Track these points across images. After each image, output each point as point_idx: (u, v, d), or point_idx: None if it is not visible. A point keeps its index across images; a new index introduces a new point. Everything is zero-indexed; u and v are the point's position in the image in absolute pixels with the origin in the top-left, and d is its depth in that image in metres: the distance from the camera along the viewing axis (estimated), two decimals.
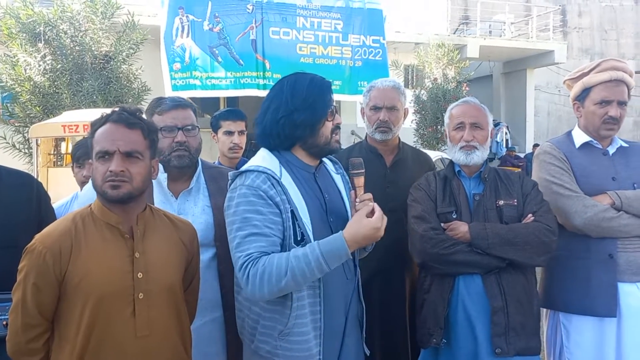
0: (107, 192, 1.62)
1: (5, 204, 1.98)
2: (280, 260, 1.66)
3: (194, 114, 2.20)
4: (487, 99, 18.20)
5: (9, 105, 8.74)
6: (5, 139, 8.55)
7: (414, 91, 12.74)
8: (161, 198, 2.12)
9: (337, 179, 2.03)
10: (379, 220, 1.71)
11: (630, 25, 22.38)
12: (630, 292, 2.34)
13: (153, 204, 2.04)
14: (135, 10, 9.12)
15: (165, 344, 1.70)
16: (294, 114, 1.82)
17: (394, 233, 2.36)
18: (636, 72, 2.73)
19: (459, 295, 2.24)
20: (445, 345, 2.24)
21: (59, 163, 8.70)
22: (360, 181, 1.85)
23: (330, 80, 1.97)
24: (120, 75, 8.67)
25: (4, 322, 1.76)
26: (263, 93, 10.07)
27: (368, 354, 2.01)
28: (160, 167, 2.14)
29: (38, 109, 8.28)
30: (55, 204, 2.88)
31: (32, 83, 8.20)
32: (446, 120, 2.47)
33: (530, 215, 2.26)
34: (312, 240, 1.74)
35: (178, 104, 2.16)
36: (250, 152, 3.51)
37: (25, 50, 8.22)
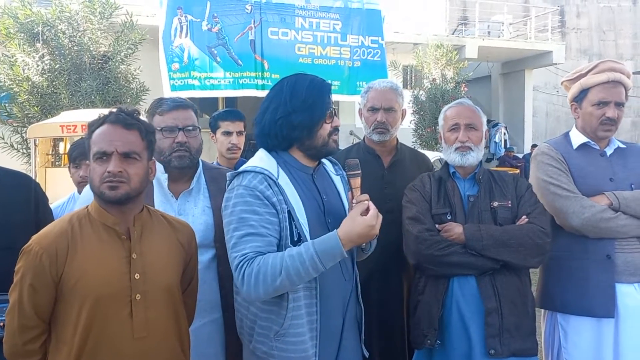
0: (105, 192, 1.61)
1: (3, 205, 1.97)
2: (275, 259, 1.66)
3: (195, 115, 2.20)
4: (486, 99, 18.22)
5: (7, 105, 8.71)
6: (3, 139, 8.53)
7: (413, 92, 12.75)
8: (161, 198, 2.12)
9: (337, 180, 2.03)
10: (374, 218, 1.71)
11: (628, 26, 22.42)
12: (628, 292, 2.34)
13: (153, 205, 2.04)
14: (133, 10, 9.10)
15: (163, 345, 1.70)
16: (292, 115, 1.82)
17: (391, 234, 2.37)
18: (634, 73, 2.74)
19: (453, 297, 2.24)
20: (439, 347, 2.24)
21: (57, 163, 8.68)
22: (356, 182, 1.85)
23: (330, 82, 1.97)
24: (119, 75, 8.65)
25: (1, 324, 1.76)
26: (262, 93, 10.06)
27: (367, 356, 2.01)
28: (161, 167, 2.14)
29: (36, 109, 8.26)
30: (52, 205, 2.88)
31: (30, 83, 8.19)
32: (440, 122, 2.48)
33: (524, 216, 2.27)
34: (309, 240, 1.74)
35: (179, 105, 2.16)
36: (249, 153, 3.51)
37: (24, 50, 8.21)
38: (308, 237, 1.76)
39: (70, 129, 6.80)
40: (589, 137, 2.49)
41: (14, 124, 8.65)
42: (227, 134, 3.26)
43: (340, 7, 11.07)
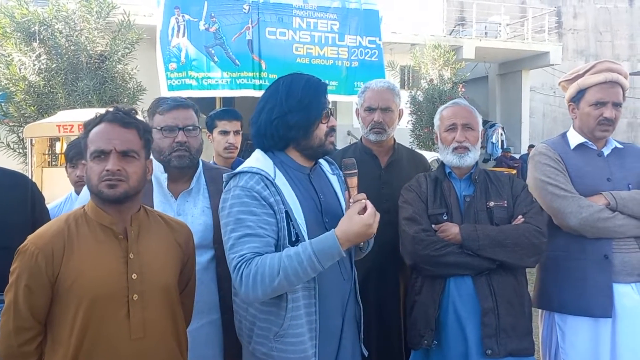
0: (104, 191, 1.60)
1: (0, 205, 1.96)
2: (273, 260, 1.66)
3: (195, 115, 2.18)
4: (483, 100, 18.26)
5: (3, 104, 8.69)
6: None
7: (410, 92, 12.76)
8: (161, 198, 2.11)
9: (333, 179, 2.03)
10: (371, 216, 1.70)
11: (624, 27, 22.49)
12: (625, 292, 2.34)
13: (152, 204, 2.03)
14: (130, 9, 9.10)
15: (161, 346, 1.69)
16: (287, 115, 1.82)
17: (388, 234, 2.37)
18: (630, 74, 2.75)
19: (449, 297, 2.24)
20: (435, 347, 2.24)
21: (53, 163, 8.68)
22: (353, 181, 1.84)
23: (327, 82, 1.96)
24: (116, 75, 8.65)
25: None
26: (259, 93, 9.96)
27: (366, 355, 2.01)
28: (161, 167, 2.13)
29: (33, 108, 8.25)
30: (49, 205, 2.86)
31: (26, 82, 8.17)
32: (436, 122, 2.47)
33: (520, 216, 2.27)
34: (307, 240, 1.73)
35: (179, 104, 2.14)
36: (246, 152, 3.50)
37: (20, 50, 8.19)
38: (306, 237, 1.75)
39: (66, 128, 6.79)
40: (587, 137, 2.49)
41: (11, 124, 8.63)
42: (224, 133, 3.25)
43: (338, 7, 11.07)
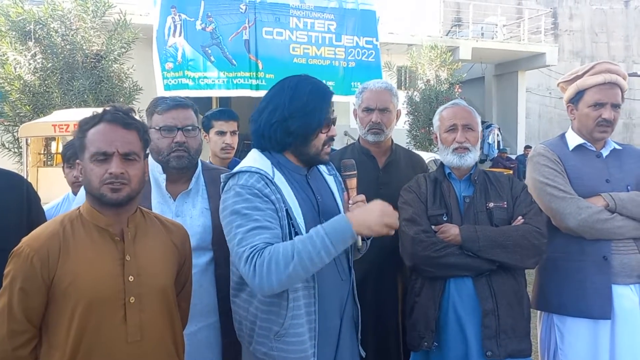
0: (107, 195, 1.57)
1: None
2: (286, 246, 1.64)
3: (194, 114, 2.16)
4: (479, 100, 18.28)
5: None
6: None
7: (407, 92, 12.77)
8: (159, 199, 2.08)
9: (330, 180, 2.02)
10: (392, 215, 1.70)
11: (620, 29, 22.59)
12: (624, 294, 2.35)
13: (150, 205, 2.01)
14: (127, 8, 9.06)
15: (158, 349, 1.66)
16: (288, 120, 1.80)
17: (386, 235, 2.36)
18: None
19: (449, 298, 2.24)
20: (435, 348, 2.23)
21: (49, 163, 8.63)
22: (352, 183, 1.83)
23: (333, 92, 1.93)
24: (112, 74, 8.61)
25: None
26: (256, 93, 10.03)
27: (364, 356, 2.00)
28: (159, 167, 2.10)
29: (28, 108, 8.20)
30: (47, 206, 2.84)
31: (22, 82, 8.12)
32: (436, 122, 2.46)
33: (520, 217, 2.27)
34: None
35: (178, 104, 2.11)
36: (242, 153, 3.48)
37: (15, 49, 8.14)
38: None
39: (62, 128, 6.76)
40: (585, 138, 2.49)
41: (6, 123, 8.58)
42: (221, 133, 3.24)
43: (335, 7, 11.04)
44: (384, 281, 2.61)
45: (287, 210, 1.75)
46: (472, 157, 2.33)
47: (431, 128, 12.18)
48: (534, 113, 20.77)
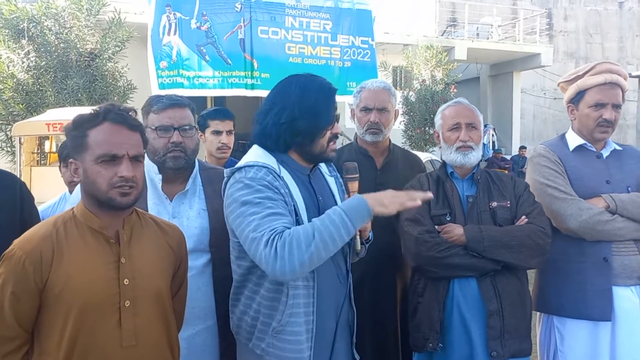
0: (116, 199, 1.52)
1: None
2: (306, 227, 1.63)
3: (191, 114, 2.11)
4: (475, 101, 18.22)
5: None
6: None
7: (403, 93, 12.77)
8: (155, 200, 2.04)
9: (331, 181, 2.01)
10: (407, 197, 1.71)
11: (614, 30, 22.71)
12: (625, 295, 2.33)
13: (147, 207, 1.97)
14: (121, 7, 9.02)
15: (153, 354, 1.62)
16: (298, 120, 1.78)
17: (384, 235, 2.34)
18: None
19: (454, 299, 2.22)
20: (440, 349, 2.21)
21: (42, 162, 8.56)
22: (354, 186, 1.82)
23: (336, 88, 1.92)
24: (106, 73, 8.57)
25: None
26: (251, 93, 10.00)
27: (358, 359, 1.98)
28: (155, 168, 2.06)
29: (21, 106, 8.14)
30: (43, 205, 2.80)
31: (15, 80, 8.07)
32: (438, 121, 2.43)
33: (523, 217, 2.25)
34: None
35: (175, 103, 2.07)
36: (237, 152, 3.45)
37: (8, 47, 8.08)
38: None
39: (56, 127, 6.71)
40: (586, 139, 2.47)
41: None
42: (217, 133, 3.20)
43: (330, 6, 11.02)
44: (382, 282, 2.59)
45: (294, 206, 1.74)
46: (476, 156, 2.32)
47: (426, 128, 12.24)
48: (528, 113, 20.84)
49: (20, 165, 7.64)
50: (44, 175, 7.50)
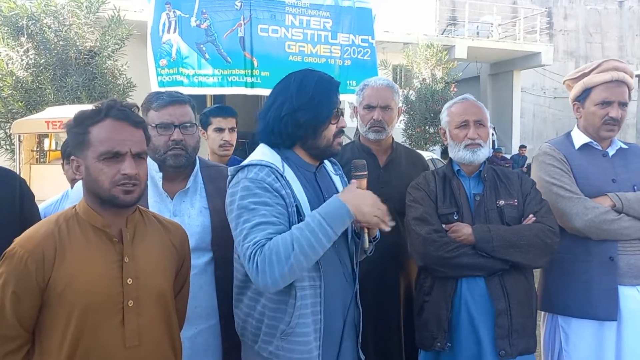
0: (119, 197, 1.49)
1: None
2: (285, 237, 1.62)
3: (192, 111, 2.09)
4: None
5: None
6: None
7: (403, 91, 12.75)
8: (156, 198, 2.02)
9: (337, 180, 2.00)
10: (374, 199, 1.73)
11: (614, 29, 22.71)
12: (631, 295, 2.31)
13: (147, 205, 1.94)
14: (121, 5, 8.99)
15: (156, 354, 1.59)
16: (297, 112, 1.77)
17: (388, 234, 2.31)
18: None
19: (462, 298, 2.20)
20: (448, 348, 2.20)
21: (42, 160, 8.54)
22: (363, 183, 1.81)
23: (339, 82, 1.91)
24: (105, 71, 8.54)
25: None
26: (251, 91, 9.98)
27: (363, 359, 1.96)
28: (155, 165, 2.03)
29: (20, 104, 8.11)
30: (45, 203, 2.78)
31: (14, 78, 8.03)
32: (445, 118, 2.40)
33: (531, 215, 2.23)
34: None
35: (175, 100, 2.04)
36: (237, 151, 3.43)
37: (8, 44, 8.05)
38: None
39: (55, 125, 6.67)
40: (591, 137, 2.45)
41: None
42: (219, 130, 3.18)
43: (330, 5, 10.99)
44: (386, 280, 2.57)
45: (296, 206, 1.73)
46: (484, 153, 2.30)
47: (427, 127, 12.22)
48: (528, 112, 20.83)
49: (19, 163, 7.61)
50: (43, 173, 7.48)
